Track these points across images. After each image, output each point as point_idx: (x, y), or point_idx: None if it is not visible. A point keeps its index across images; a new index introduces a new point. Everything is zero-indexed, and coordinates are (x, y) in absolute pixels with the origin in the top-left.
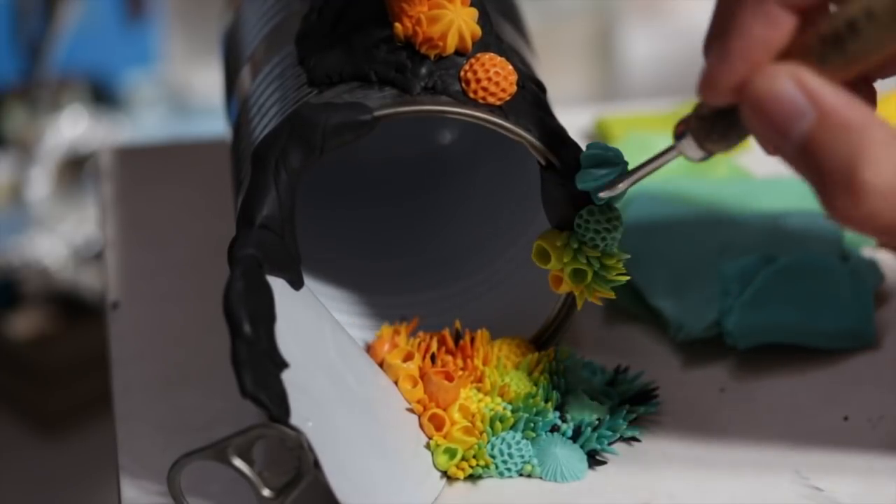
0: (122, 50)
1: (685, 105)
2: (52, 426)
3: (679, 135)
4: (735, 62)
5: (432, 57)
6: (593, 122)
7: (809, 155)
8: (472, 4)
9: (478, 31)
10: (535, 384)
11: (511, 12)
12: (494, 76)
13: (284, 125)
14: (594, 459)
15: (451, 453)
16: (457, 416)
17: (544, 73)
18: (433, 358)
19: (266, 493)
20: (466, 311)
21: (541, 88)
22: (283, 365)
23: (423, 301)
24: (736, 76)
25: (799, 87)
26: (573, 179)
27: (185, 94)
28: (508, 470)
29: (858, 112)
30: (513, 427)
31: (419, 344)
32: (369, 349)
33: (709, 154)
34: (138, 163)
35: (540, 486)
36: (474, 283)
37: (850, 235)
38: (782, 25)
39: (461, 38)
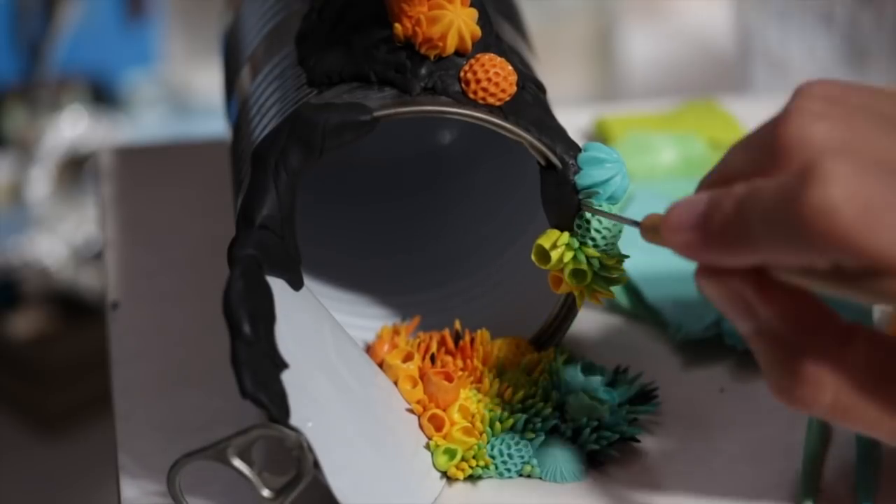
0: (122, 50)
1: (684, 105)
2: (52, 426)
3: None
4: None
5: (432, 57)
6: (593, 122)
7: None
8: (472, 4)
9: (477, 31)
10: (535, 384)
11: (511, 12)
12: (494, 76)
13: (284, 125)
14: (594, 460)
15: (451, 454)
16: (456, 416)
17: (544, 73)
18: (433, 358)
19: (266, 493)
20: (466, 311)
21: (541, 89)
22: (283, 365)
23: (423, 301)
24: None
25: None
26: (573, 179)
27: (185, 94)
28: (508, 470)
29: None
30: (512, 427)
31: (419, 344)
32: (369, 349)
33: None
34: (138, 163)
35: (540, 487)
36: (474, 283)
37: None
38: None
39: (461, 38)
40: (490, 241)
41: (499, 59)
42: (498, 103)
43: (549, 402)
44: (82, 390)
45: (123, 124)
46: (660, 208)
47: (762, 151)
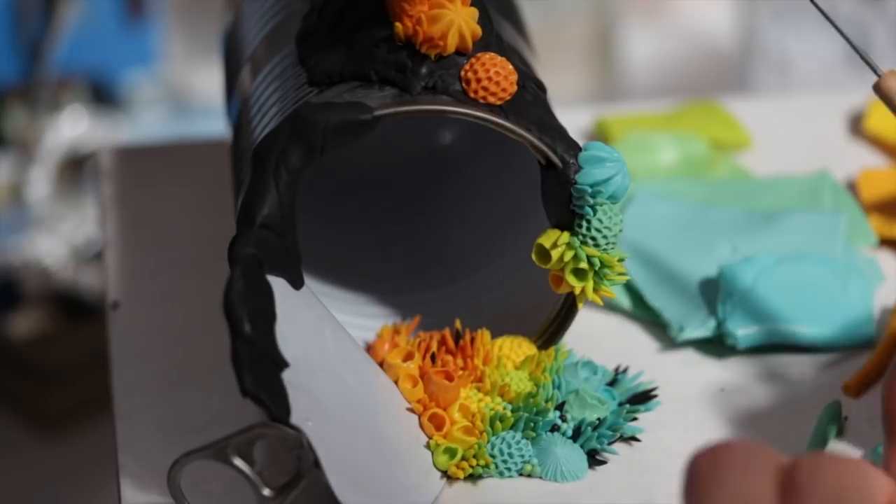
0: (122, 50)
1: (685, 105)
2: (52, 426)
3: None
4: None
5: (433, 56)
6: (593, 122)
7: None
8: (472, 4)
9: (478, 30)
10: (536, 384)
11: (511, 12)
12: (495, 76)
13: (285, 125)
14: (594, 459)
15: (451, 453)
16: (457, 415)
17: (544, 73)
18: (433, 357)
19: (266, 492)
20: (466, 310)
21: (541, 88)
22: (283, 364)
23: (424, 301)
24: None
25: None
26: (573, 179)
27: (185, 94)
28: (508, 470)
29: None
30: (513, 427)
31: (419, 344)
32: (369, 349)
33: None
34: (138, 163)
35: (540, 486)
36: (474, 283)
37: (850, 235)
38: None
39: (461, 37)
40: (490, 240)
41: (499, 58)
42: (499, 102)
43: (549, 401)
44: (82, 390)
45: (123, 124)
46: (660, 208)
47: None
